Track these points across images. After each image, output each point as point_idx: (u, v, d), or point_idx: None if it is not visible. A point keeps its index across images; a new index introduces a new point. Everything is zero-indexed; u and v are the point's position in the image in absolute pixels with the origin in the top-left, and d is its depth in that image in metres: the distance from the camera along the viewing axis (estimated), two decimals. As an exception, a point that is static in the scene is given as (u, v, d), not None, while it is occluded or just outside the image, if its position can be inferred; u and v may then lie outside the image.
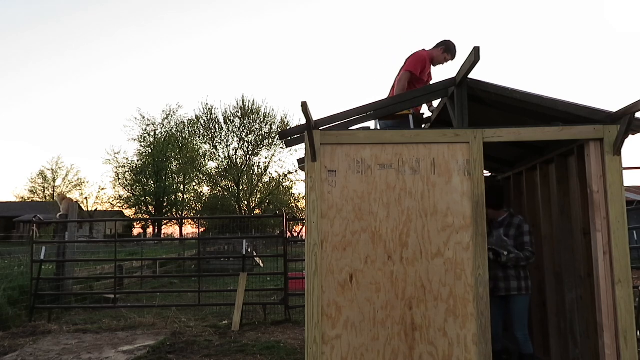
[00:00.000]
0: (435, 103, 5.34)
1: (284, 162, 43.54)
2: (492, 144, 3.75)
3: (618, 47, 75.10)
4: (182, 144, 41.98)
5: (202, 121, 41.63)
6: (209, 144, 42.07)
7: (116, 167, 42.98)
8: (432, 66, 5.38)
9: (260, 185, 42.08)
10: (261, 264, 17.98)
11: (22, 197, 50.87)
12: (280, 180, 41.54)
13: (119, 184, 43.01)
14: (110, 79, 70.47)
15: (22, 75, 73.87)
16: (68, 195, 38.22)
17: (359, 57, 75.83)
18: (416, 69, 5.10)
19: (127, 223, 42.65)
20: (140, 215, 42.25)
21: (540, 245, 4.92)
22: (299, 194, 41.60)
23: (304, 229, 10.40)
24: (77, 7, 69.66)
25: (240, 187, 40.61)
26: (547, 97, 3.75)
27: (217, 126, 41.54)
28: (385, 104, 4.14)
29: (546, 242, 4.87)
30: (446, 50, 5.26)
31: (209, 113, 41.52)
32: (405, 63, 5.19)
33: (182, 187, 44.10)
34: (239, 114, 40.99)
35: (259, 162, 42.19)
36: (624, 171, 3.58)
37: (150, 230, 46.87)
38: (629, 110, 3.39)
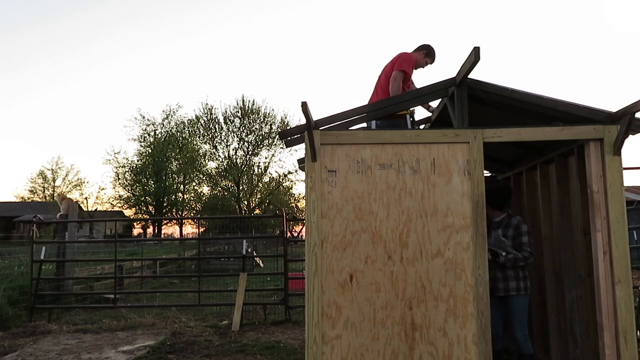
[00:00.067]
0: (434, 103, 5.34)
1: (284, 162, 43.64)
2: (492, 144, 3.76)
3: (618, 47, 75.16)
4: (182, 144, 41.97)
5: (202, 121, 41.65)
6: (209, 144, 42.10)
7: (116, 167, 43.06)
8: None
9: (260, 185, 42.08)
10: (261, 264, 17.98)
11: (22, 197, 50.92)
12: (280, 180, 41.56)
13: (119, 184, 43.06)
14: (110, 79, 70.56)
15: (22, 75, 73.99)
16: (68, 195, 38.22)
17: (359, 57, 75.86)
18: (409, 68, 5.11)
19: (127, 223, 42.67)
20: (140, 215, 42.26)
21: (540, 245, 4.92)
22: (299, 194, 41.65)
23: (304, 229, 10.41)
24: (77, 7, 69.75)
25: (240, 187, 40.60)
26: (547, 97, 3.75)
27: (217, 126, 41.56)
28: (385, 104, 4.14)
29: (546, 242, 4.87)
30: (427, 54, 5.28)
31: (209, 113, 41.56)
32: (395, 64, 5.14)
33: (182, 187, 44.09)
34: (239, 114, 40.99)
35: (259, 162, 42.25)
36: (624, 171, 3.58)
37: (150, 230, 46.88)
38: (629, 110, 3.39)
